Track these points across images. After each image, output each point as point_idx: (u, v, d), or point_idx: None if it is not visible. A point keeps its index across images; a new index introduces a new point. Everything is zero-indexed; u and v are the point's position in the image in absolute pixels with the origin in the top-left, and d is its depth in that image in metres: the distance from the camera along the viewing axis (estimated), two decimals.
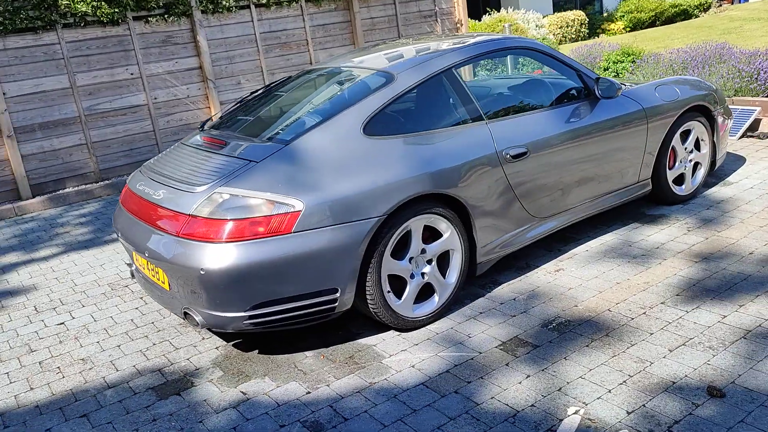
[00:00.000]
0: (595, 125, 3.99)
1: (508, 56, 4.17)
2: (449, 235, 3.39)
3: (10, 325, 3.98)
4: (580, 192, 4.02)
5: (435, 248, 3.36)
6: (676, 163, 4.61)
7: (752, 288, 3.37)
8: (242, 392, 2.97)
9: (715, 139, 4.81)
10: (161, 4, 7.18)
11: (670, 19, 19.28)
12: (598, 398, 2.63)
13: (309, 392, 2.91)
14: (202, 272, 2.89)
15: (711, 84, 4.87)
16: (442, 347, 3.15)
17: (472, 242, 3.53)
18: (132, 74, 7.22)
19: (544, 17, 17.60)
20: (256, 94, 4.19)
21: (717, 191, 4.85)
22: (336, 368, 3.07)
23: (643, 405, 2.56)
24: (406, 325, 3.33)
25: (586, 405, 2.60)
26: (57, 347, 3.62)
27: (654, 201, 4.72)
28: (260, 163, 3.11)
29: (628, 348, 2.96)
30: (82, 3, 6.65)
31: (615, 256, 3.94)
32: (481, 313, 3.45)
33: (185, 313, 3.13)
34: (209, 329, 3.52)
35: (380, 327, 3.39)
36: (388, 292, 3.23)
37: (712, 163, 4.89)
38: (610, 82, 3.96)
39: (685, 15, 19.46)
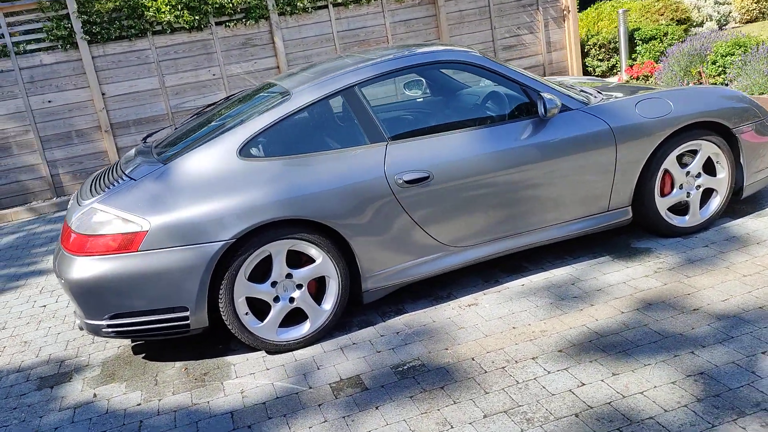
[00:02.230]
0: (536, 146, 3.56)
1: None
2: (321, 262, 3.29)
3: (14, 302, 4.63)
4: (518, 221, 3.64)
5: (303, 274, 3.29)
6: (674, 190, 3.94)
7: (653, 353, 2.83)
8: (94, 394, 3.20)
9: (742, 161, 4.02)
10: (240, 9, 7.63)
11: None
12: None
13: (140, 404, 3.05)
14: (62, 282, 3.16)
15: (741, 95, 4.06)
16: (285, 376, 3.10)
17: (357, 269, 3.39)
18: (214, 75, 7.80)
19: None
20: (210, 106, 4.36)
21: (740, 224, 4.06)
22: (183, 383, 3.18)
23: None
24: (269, 348, 3.31)
25: None
26: (21, 327, 4.16)
27: (652, 232, 4.07)
28: (137, 181, 3.28)
29: (447, 406, 2.68)
30: (165, 13, 7.31)
31: (546, 295, 3.52)
32: (354, 343, 3.32)
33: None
34: None
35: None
36: (246, 314, 3.24)
37: (739, 189, 4.09)
38: (544, 100, 3.50)
39: None
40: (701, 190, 3.99)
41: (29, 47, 7.24)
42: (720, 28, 12.67)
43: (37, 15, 7.22)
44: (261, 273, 3.27)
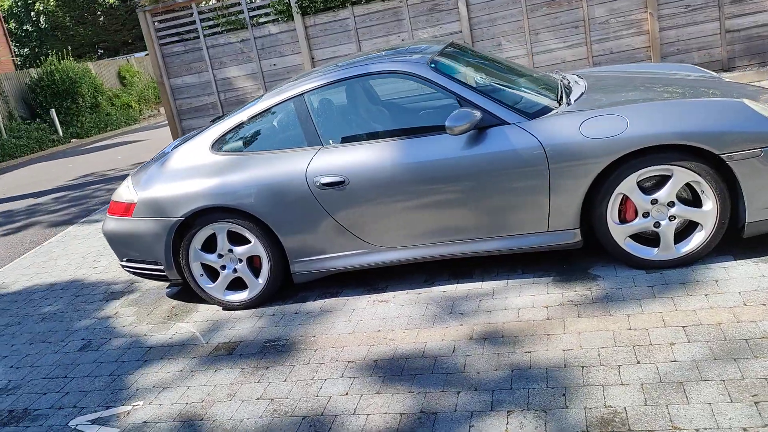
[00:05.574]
0: (458, 160, 3.59)
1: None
2: (253, 244, 3.98)
3: None
4: (445, 231, 3.75)
5: (241, 251, 4.03)
6: (638, 217, 3.51)
7: (431, 383, 2.92)
8: (116, 312, 4.50)
9: (744, 193, 3.35)
10: None
11: None
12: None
13: (124, 326, 4.24)
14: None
15: (750, 111, 3.31)
16: (208, 329, 3.95)
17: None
18: (402, 40, 8.44)
19: None
20: None
21: (726, 267, 3.43)
22: (159, 318, 4.25)
23: None
24: (219, 305, 4.19)
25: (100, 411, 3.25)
26: None
27: (622, 260, 3.68)
28: (155, 162, 4.39)
29: (250, 383, 3.23)
30: None
31: (443, 306, 3.63)
32: (273, 315, 3.97)
33: None
34: None
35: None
36: (201, 275, 4.15)
37: (742, 227, 3.42)
38: (450, 116, 3.46)
39: None
40: (677, 221, 3.47)
41: (261, 20, 8.87)
42: None
43: None
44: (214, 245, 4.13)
